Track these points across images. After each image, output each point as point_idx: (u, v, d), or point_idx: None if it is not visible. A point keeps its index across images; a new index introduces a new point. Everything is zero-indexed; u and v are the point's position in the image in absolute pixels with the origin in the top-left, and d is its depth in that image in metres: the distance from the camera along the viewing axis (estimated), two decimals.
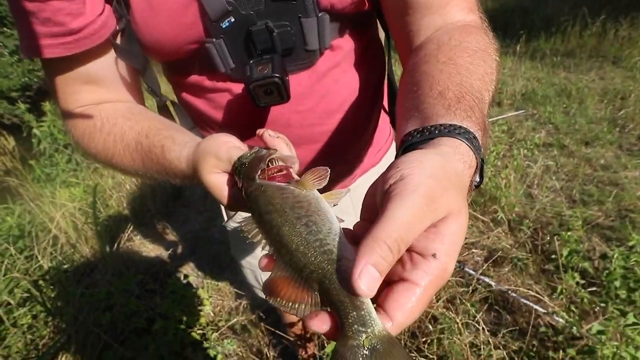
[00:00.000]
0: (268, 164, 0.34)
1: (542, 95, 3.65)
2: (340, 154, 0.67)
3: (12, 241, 1.78)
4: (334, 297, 0.25)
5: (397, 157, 0.31)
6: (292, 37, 0.51)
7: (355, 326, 0.24)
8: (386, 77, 0.71)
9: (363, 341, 0.24)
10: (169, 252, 2.16)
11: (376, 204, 0.27)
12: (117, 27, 0.51)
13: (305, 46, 0.53)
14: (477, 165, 0.31)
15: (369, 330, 0.24)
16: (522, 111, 3.46)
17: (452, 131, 0.30)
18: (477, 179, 0.32)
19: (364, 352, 0.24)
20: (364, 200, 0.31)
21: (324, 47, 0.54)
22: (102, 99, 0.56)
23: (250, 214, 0.32)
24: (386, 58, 0.69)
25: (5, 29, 11.52)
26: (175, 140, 0.48)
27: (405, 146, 0.32)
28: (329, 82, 0.58)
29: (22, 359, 1.43)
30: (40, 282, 1.66)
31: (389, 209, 0.22)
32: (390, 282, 0.25)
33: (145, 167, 0.52)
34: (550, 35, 5.47)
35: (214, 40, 0.51)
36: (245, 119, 0.58)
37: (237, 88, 0.57)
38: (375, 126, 0.73)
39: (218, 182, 0.41)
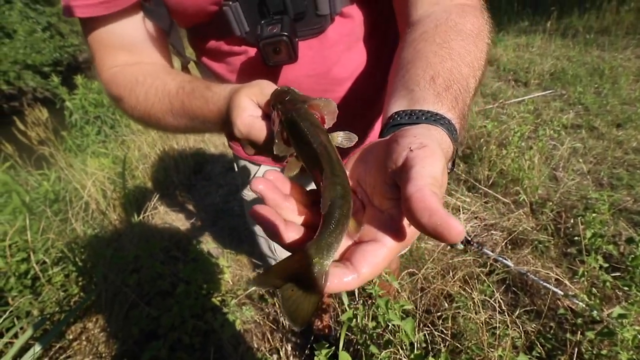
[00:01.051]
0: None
1: (573, 74, 3.48)
2: (351, 123, 0.67)
3: (49, 204, 1.89)
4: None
5: (382, 132, 0.34)
6: (303, 1, 0.53)
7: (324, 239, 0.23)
8: None
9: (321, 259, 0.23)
10: (191, 222, 2.24)
11: (381, 165, 0.27)
12: None
13: (317, 11, 0.54)
14: (452, 155, 0.33)
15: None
16: (550, 91, 3.31)
17: (437, 120, 0.31)
18: (450, 166, 0.34)
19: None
20: (354, 162, 0.32)
21: (335, 12, 0.56)
22: (139, 61, 0.60)
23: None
24: None
25: (38, 5, 11.79)
26: (219, 84, 0.51)
27: (392, 124, 0.33)
28: (340, 50, 0.60)
29: (56, 312, 1.54)
30: (73, 244, 1.76)
31: (423, 165, 0.22)
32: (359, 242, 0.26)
33: (185, 110, 0.53)
34: (584, 11, 5.16)
35: (231, 3, 0.54)
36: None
37: (252, 51, 0.59)
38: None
39: (250, 105, 0.41)
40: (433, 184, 0.21)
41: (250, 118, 0.40)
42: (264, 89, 0.41)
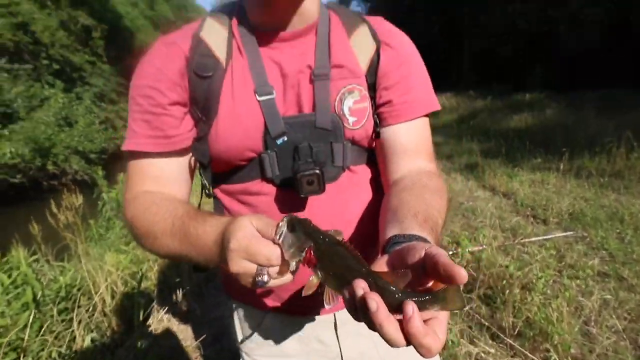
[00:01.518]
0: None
1: (592, 217, 3.50)
2: None
3: (57, 301, 1.86)
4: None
5: (385, 248, 0.49)
6: (324, 155, 0.68)
7: None
8: None
9: None
10: (194, 336, 2.12)
11: (406, 264, 0.41)
12: (196, 135, 0.69)
13: (333, 163, 0.70)
14: None
15: None
16: (571, 232, 3.29)
17: (425, 240, 0.47)
18: None
19: None
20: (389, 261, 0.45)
21: (346, 166, 0.72)
22: (160, 191, 0.69)
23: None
24: None
25: (102, 103, 13.70)
26: (214, 215, 0.59)
27: (394, 242, 0.48)
28: (347, 197, 0.74)
29: None
30: (68, 351, 1.68)
31: (439, 252, 0.37)
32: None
33: (182, 229, 0.58)
34: (594, 154, 5.44)
35: (269, 152, 0.67)
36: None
37: (275, 191, 0.70)
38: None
39: (250, 226, 0.48)
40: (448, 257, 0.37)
41: (251, 233, 0.47)
42: (262, 217, 0.49)
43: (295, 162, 0.66)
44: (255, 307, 0.81)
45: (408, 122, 0.71)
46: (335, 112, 0.68)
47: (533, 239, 3.10)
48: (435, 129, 9.89)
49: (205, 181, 0.74)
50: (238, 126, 0.66)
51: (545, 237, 3.17)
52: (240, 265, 0.47)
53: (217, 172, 0.74)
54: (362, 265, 0.41)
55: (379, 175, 0.78)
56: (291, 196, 0.67)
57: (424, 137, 0.73)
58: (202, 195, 0.76)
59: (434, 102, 0.74)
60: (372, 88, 0.71)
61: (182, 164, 0.70)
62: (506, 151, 6.08)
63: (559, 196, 4.17)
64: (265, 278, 0.47)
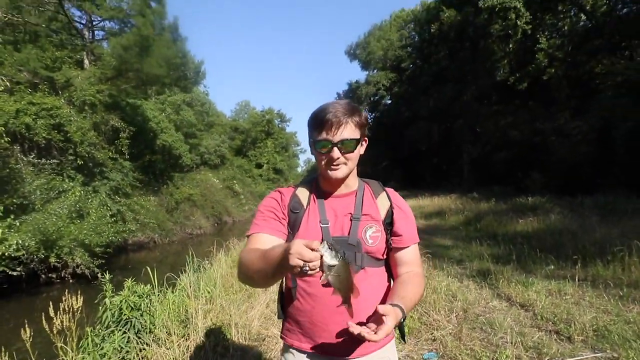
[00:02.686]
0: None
1: (619, 334, 3.28)
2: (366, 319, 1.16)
3: None
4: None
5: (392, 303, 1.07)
6: (351, 258, 1.19)
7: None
8: None
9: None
10: None
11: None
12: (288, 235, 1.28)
13: (355, 263, 1.21)
14: (402, 317, 1.06)
15: None
16: (600, 354, 3.05)
17: (403, 311, 1.06)
18: (402, 319, 1.07)
19: None
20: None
21: (363, 267, 1.23)
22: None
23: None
24: None
25: (117, 197, 14.19)
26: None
27: (391, 304, 1.06)
28: (363, 285, 1.12)
29: None
30: None
31: (379, 309, 1.00)
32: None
33: (263, 255, 1.03)
34: (607, 262, 5.35)
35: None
36: (325, 290, 1.12)
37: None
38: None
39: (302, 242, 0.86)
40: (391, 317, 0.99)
41: (302, 245, 0.83)
42: (307, 241, 0.85)
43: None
44: (299, 350, 1.26)
45: (409, 247, 1.31)
46: (360, 237, 1.24)
47: (560, 359, 2.86)
48: (443, 230, 10.11)
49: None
50: (307, 237, 1.06)
51: (574, 359, 2.93)
52: (294, 261, 0.82)
53: None
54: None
55: (385, 276, 1.32)
56: None
57: (416, 255, 1.33)
58: None
59: (418, 238, 1.36)
60: (389, 227, 1.30)
61: (276, 242, 1.20)
62: (517, 257, 6.00)
63: (580, 308, 3.98)
64: (306, 269, 0.83)
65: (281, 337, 1.33)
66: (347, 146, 1.18)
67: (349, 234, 1.23)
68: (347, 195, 1.30)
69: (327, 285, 1.01)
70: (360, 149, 1.27)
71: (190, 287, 4.14)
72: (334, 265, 0.91)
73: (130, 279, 3.34)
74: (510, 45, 20.33)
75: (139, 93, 18.33)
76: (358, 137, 1.21)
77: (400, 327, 1.31)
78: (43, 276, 10.35)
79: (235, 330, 3.47)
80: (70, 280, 10.70)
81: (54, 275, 10.57)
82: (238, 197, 30.63)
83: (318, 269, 0.86)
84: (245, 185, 34.59)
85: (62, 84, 13.58)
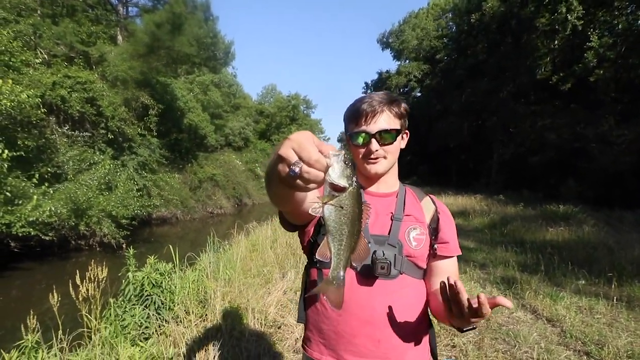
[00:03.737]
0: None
1: None
2: (389, 346, 1.07)
3: None
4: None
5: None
6: (391, 257, 1.06)
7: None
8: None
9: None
10: None
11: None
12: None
13: (394, 266, 1.07)
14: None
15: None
16: None
17: None
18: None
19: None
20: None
21: (402, 271, 1.09)
22: None
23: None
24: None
25: (144, 172, 14.61)
26: None
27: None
28: (399, 293, 1.08)
29: None
30: None
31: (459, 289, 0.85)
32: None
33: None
34: None
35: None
36: (354, 297, 1.06)
37: (357, 274, 1.07)
38: (416, 345, 1.13)
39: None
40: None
41: (311, 136, 0.61)
42: (319, 140, 0.62)
43: (373, 256, 1.05)
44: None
45: (453, 258, 1.19)
46: (403, 238, 1.11)
47: None
48: (465, 231, 9.78)
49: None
50: None
51: None
52: (287, 150, 0.60)
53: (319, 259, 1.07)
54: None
55: (424, 290, 1.16)
56: (364, 279, 1.06)
57: (456, 268, 1.22)
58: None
59: (459, 250, 1.22)
60: (434, 232, 1.18)
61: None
62: (545, 267, 5.71)
63: (613, 330, 3.73)
64: (297, 169, 0.58)
65: (302, 347, 1.20)
66: (385, 137, 1.09)
67: (389, 233, 1.11)
68: (388, 195, 1.19)
69: (320, 223, 1.08)
70: (401, 142, 1.16)
71: (209, 267, 4.17)
72: (341, 190, 0.63)
73: (152, 256, 3.38)
74: (556, 42, 19.10)
75: (169, 71, 18.61)
76: (398, 127, 1.11)
77: (431, 344, 1.20)
78: (73, 242, 10.87)
79: (251, 315, 3.46)
80: (97, 249, 11.19)
81: (82, 243, 11.09)
82: (259, 180, 30.98)
83: (313, 180, 0.59)
84: None
85: (96, 58, 13.95)
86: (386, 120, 1.09)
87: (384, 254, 1.04)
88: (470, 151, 26.21)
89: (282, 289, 4.20)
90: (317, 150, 0.58)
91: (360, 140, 1.10)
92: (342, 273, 0.74)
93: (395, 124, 1.11)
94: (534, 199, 14.02)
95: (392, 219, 1.13)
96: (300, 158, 0.58)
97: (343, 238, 0.69)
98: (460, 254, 1.20)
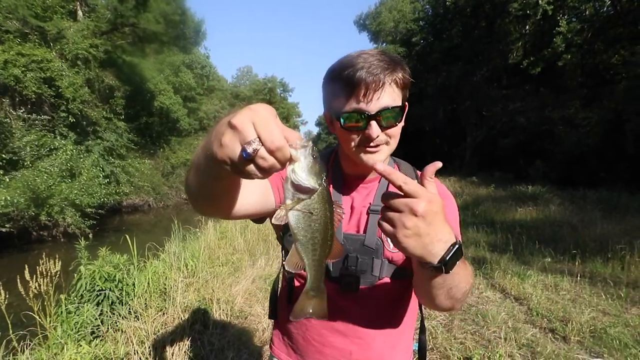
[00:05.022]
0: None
1: (617, 337, 3.14)
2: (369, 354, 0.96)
3: None
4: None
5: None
6: (366, 265, 0.90)
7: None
8: (417, 335, 1.07)
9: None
10: None
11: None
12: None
13: (372, 272, 0.90)
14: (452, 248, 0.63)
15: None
16: (598, 358, 2.91)
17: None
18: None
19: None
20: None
21: (381, 277, 0.91)
22: None
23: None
24: (420, 315, 1.06)
25: (111, 158, 13.89)
26: None
27: None
28: (376, 302, 0.93)
29: None
30: None
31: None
32: None
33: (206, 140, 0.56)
34: (607, 259, 5.22)
35: None
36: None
37: (328, 283, 0.82)
38: (398, 355, 0.99)
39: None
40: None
41: (275, 114, 0.47)
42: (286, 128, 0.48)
43: (343, 266, 0.91)
44: None
45: None
46: (381, 237, 0.90)
47: None
48: None
49: (283, 256, 1.01)
50: None
51: None
52: (243, 124, 0.45)
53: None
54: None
55: (411, 294, 0.98)
56: (336, 288, 0.91)
57: None
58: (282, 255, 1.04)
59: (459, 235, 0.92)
60: None
61: (265, 187, 0.87)
62: (514, 246, 5.85)
63: (577, 306, 3.85)
64: (251, 150, 0.45)
65: (270, 346, 1.09)
66: (389, 118, 0.82)
67: (365, 231, 0.91)
68: (371, 181, 0.97)
69: (283, 232, 0.93)
70: (402, 120, 0.88)
71: (173, 257, 3.96)
72: (308, 192, 0.52)
73: (105, 248, 3.13)
74: (527, 27, 19.42)
75: (136, 51, 17.58)
76: (400, 103, 0.84)
77: (421, 343, 1.05)
78: (34, 233, 10.27)
79: (217, 306, 3.32)
80: (62, 239, 10.63)
81: (45, 233, 10.50)
82: None
83: (267, 169, 0.47)
84: None
85: (53, 35, 12.91)
86: (390, 94, 0.81)
87: (357, 261, 0.89)
88: (444, 134, 26.64)
89: (252, 277, 4.07)
90: (281, 134, 0.46)
91: (357, 124, 0.82)
92: (321, 285, 0.67)
93: (398, 98, 0.83)
94: (505, 181, 14.44)
95: (368, 213, 0.92)
96: (260, 138, 0.45)
97: (316, 247, 0.59)
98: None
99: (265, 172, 0.47)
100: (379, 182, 0.97)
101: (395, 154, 1.00)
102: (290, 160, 0.48)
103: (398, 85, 0.83)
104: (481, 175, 16.82)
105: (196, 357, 2.61)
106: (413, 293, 0.97)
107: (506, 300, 4.06)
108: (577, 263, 4.82)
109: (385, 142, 0.85)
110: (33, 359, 2.04)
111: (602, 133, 12.38)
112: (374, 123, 0.81)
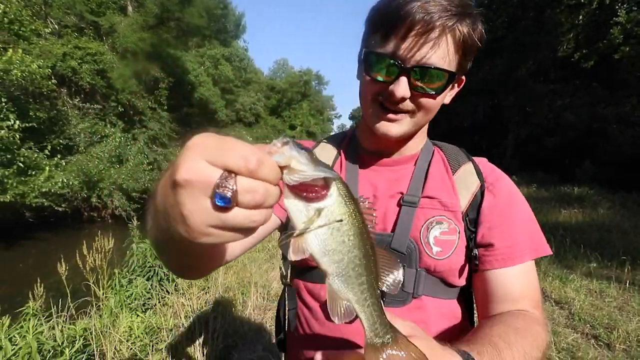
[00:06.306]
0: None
1: None
2: None
3: None
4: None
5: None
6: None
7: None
8: None
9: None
10: None
11: None
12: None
13: (403, 288, 0.68)
14: None
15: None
16: None
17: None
18: None
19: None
20: None
21: (417, 294, 0.68)
22: None
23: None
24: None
25: (154, 146, 14.69)
26: None
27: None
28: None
29: None
30: None
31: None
32: None
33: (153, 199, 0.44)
34: None
35: None
36: (342, 328, 0.69)
37: None
38: None
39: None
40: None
41: (223, 136, 0.33)
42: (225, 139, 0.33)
43: None
44: None
45: (512, 267, 0.67)
46: (418, 238, 0.69)
47: None
48: None
49: (284, 270, 0.80)
50: None
51: None
52: (195, 169, 0.30)
53: (297, 265, 0.77)
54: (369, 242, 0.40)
55: (459, 317, 0.73)
56: None
57: (529, 283, 0.68)
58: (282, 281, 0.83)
59: (543, 247, 0.72)
60: (473, 224, 0.71)
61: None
62: (556, 249, 5.58)
63: (623, 314, 3.64)
64: (227, 191, 0.30)
65: None
66: (427, 81, 0.61)
67: (393, 229, 0.69)
68: (401, 163, 0.75)
69: (300, 265, 0.66)
70: (448, 94, 0.69)
71: None
72: (323, 189, 0.37)
73: None
74: (581, 17, 18.06)
75: (179, 44, 18.33)
76: (454, 69, 0.63)
77: None
78: (85, 214, 11.14)
79: (254, 289, 3.48)
80: (109, 221, 11.46)
81: (95, 214, 11.35)
82: None
83: (263, 201, 0.32)
84: None
85: (106, 29, 13.76)
86: (442, 50, 0.60)
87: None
88: (484, 131, 25.55)
89: None
90: (248, 146, 0.32)
91: (382, 71, 0.62)
92: (385, 320, 0.44)
93: (453, 60, 0.62)
94: (547, 181, 13.69)
95: (400, 204, 0.70)
96: (228, 169, 0.31)
97: (360, 270, 0.41)
98: (532, 257, 0.70)
99: (264, 209, 0.33)
100: (414, 164, 0.75)
101: None
102: (282, 169, 0.34)
103: (457, 42, 0.61)
104: (522, 175, 16.04)
105: (235, 335, 2.77)
106: (461, 321, 0.73)
107: (545, 303, 3.92)
108: (626, 270, 4.53)
109: (410, 110, 0.65)
110: (94, 324, 2.26)
111: None
112: (404, 79, 0.61)
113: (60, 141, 10.51)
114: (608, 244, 5.95)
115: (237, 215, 0.31)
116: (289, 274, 0.80)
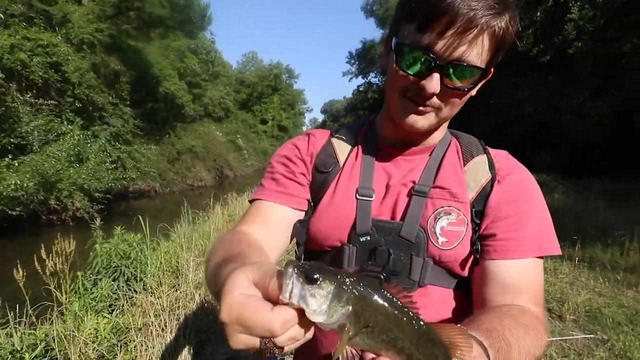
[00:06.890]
0: None
1: (611, 317, 3.27)
2: None
3: None
4: None
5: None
6: (402, 265, 0.69)
7: None
8: None
9: None
10: None
11: None
12: (302, 217, 0.79)
13: (409, 275, 0.70)
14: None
15: None
16: (592, 335, 3.04)
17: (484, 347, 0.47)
18: None
19: None
20: None
21: (422, 283, 0.70)
22: (263, 231, 0.73)
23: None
24: None
25: (117, 143, 14.03)
26: (242, 261, 0.53)
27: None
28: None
29: None
30: None
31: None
32: None
33: (213, 268, 0.56)
34: (606, 245, 5.31)
35: (350, 245, 0.73)
36: None
37: None
38: None
39: (244, 282, 0.37)
40: None
41: (242, 296, 0.36)
42: (262, 266, 0.38)
43: (369, 262, 0.70)
44: None
45: (515, 260, 0.67)
46: (425, 228, 0.70)
47: (551, 338, 2.85)
48: None
49: (298, 256, 0.84)
50: (331, 214, 0.75)
51: (564, 337, 2.92)
52: (240, 342, 0.36)
53: (310, 250, 0.81)
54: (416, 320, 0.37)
55: (463, 309, 0.74)
56: None
57: (530, 279, 0.66)
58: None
59: (551, 246, 0.69)
60: (479, 216, 0.71)
61: (288, 218, 0.77)
62: None
63: (574, 288, 3.96)
64: (275, 351, 0.36)
65: None
66: (461, 78, 0.62)
67: (402, 218, 0.71)
68: (417, 153, 0.78)
69: None
70: (474, 89, 0.68)
71: (183, 238, 4.10)
72: (342, 324, 0.36)
73: (120, 227, 3.27)
74: (539, 13, 19.01)
75: (141, 35, 17.51)
76: (485, 65, 0.63)
77: None
78: (44, 217, 10.50)
79: None
80: (71, 223, 10.87)
81: (54, 217, 10.72)
82: (241, 151, 30.52)
83: (295, 335, 0.36)
84: (248, 140, 34.34)
85: (58, 19, 12.89)
86: (479, 47, 0.59)
87: (389, 257, 0.68)
88: (450, 123, 26.50)
89: None
90: (266, 313, 0.34)
91: (415, 65, 0.62)
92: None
93: (487, 56, 0.62)
94: None
95: (411, 194, 0.72)
96: (258, 335, 0.35)
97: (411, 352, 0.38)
98: (542, 254, 0.69)
99: (299, 335, 0.36)
100: (429, 155, 0.77)
101: None
102: (298, 309, 0.35)
103: (495, 40, 0.60)
104: None
105: (209, 330, 2.75)
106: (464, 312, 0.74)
107: None
108: (577, 248, 4.90)
109: (436, 107, 0.66)
110: (56, 329, 2.17)
111: (611, 123, 12.27)
112: (436, 76, 0.61)
113: (11, 140, 9.81)
114: (562, 226, 6.39)
115: (281, 351, 0.37)
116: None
